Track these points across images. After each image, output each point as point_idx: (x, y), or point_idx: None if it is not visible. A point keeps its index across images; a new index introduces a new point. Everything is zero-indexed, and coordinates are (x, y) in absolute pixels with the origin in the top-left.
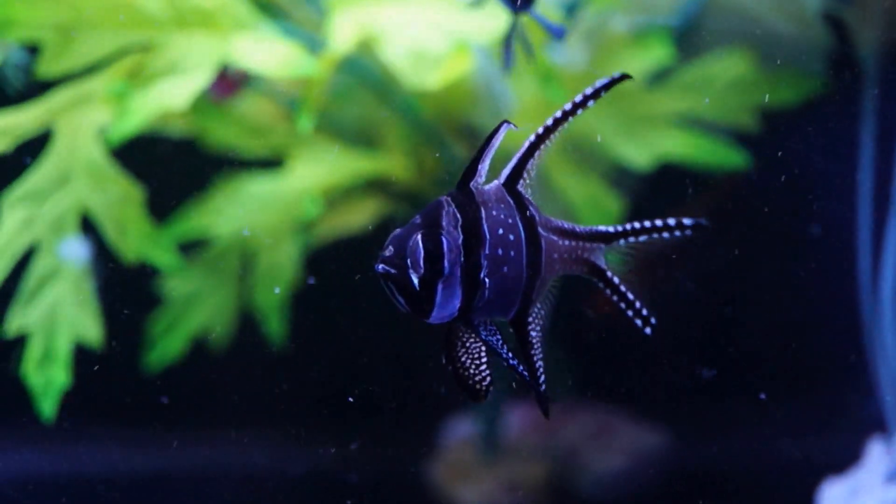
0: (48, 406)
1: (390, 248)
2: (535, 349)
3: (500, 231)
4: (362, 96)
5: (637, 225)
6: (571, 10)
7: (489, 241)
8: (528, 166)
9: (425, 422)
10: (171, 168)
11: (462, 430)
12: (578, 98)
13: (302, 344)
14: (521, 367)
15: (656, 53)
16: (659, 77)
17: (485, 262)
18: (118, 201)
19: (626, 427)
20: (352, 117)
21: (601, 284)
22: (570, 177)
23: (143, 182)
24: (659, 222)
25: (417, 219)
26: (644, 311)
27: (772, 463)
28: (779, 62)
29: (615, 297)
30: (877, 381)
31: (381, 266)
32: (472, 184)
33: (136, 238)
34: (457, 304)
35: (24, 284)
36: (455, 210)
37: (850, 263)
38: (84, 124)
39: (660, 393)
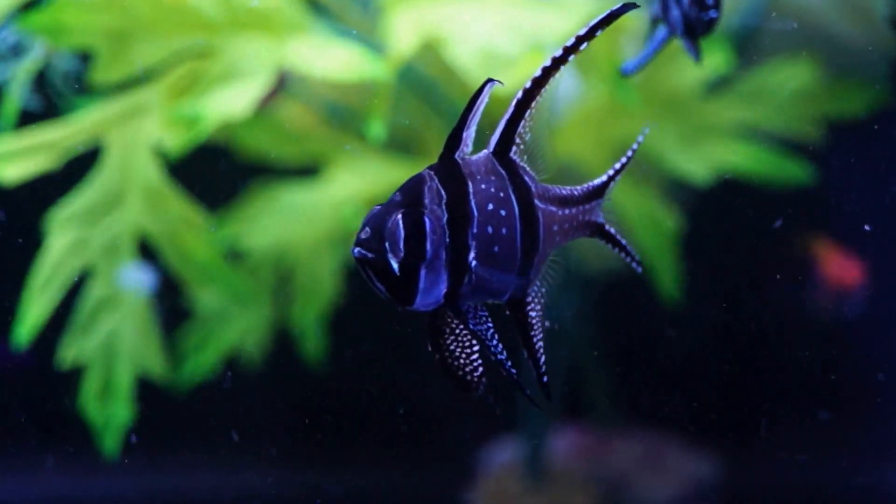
0: (110, 442)
1: (367, 229)
2: (536, 330)
3: (490, 206)
4: (405, 102)
5: (624, 160)
6: None
7: (477, 219)
8: (521, 129)
9: (466, 446)
10: (202, 176)
11: (505, 456)
12: (570, 42)
13: (339, 363)
14: (510, 364)
15: (715, 60)
16: (718, 85)
17: (473, 243)
18: (177, 224)
19: (677, 454)
20: (393, 124)
21: (603, 241)
22: (624, 190)
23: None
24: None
25: (397, 196)
26: (633, 252)
27: (832, 495)
28: (844, 70)
29: (616, 249)
30: None
31: (356, 250)
32: (457, 154)
33: (201, 265)
34: (442, 289)
35: (79, 312)
36: (438, 185)
37: None
38: (138, 139)
39: (713, 418)
